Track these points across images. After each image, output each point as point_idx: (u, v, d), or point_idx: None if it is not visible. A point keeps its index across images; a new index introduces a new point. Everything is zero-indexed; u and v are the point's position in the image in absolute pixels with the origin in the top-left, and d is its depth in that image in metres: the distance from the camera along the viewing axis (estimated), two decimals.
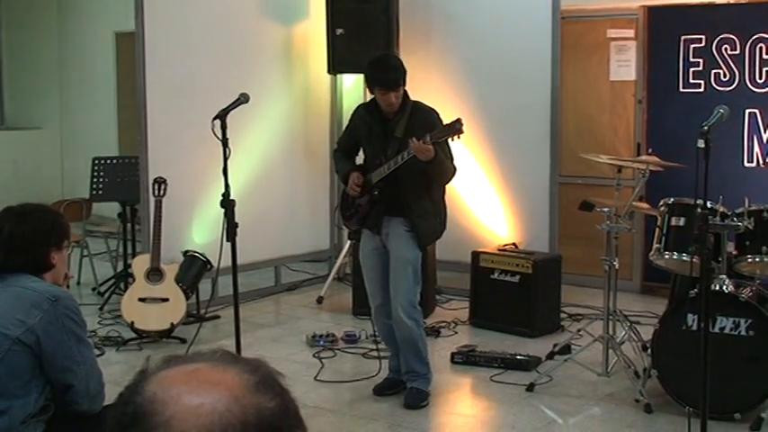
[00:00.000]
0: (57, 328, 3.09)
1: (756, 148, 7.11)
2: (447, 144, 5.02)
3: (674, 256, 5.18)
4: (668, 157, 5.57)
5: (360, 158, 5.45)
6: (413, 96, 5.16)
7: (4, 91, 12.08)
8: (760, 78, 7.07)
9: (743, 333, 4.76)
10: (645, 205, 5.96)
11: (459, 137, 4.84)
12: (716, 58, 7.23)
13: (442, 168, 5.00)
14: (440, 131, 4.86)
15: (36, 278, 3.19)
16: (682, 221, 5.16)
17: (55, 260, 3.25)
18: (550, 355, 5.85)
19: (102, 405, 3.20)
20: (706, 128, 3.94)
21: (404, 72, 5.07)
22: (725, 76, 7.20)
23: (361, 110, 5.36)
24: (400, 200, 5.09)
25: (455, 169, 5.11)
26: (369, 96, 6.66)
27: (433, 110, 5.16)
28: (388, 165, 5.04)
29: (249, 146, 7.28)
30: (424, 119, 5.04)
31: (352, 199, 5.27)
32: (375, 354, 5.88)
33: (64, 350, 3.10)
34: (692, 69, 7.35)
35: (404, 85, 5.06)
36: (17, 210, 3.28)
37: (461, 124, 4.79)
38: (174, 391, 1.06)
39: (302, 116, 8.08)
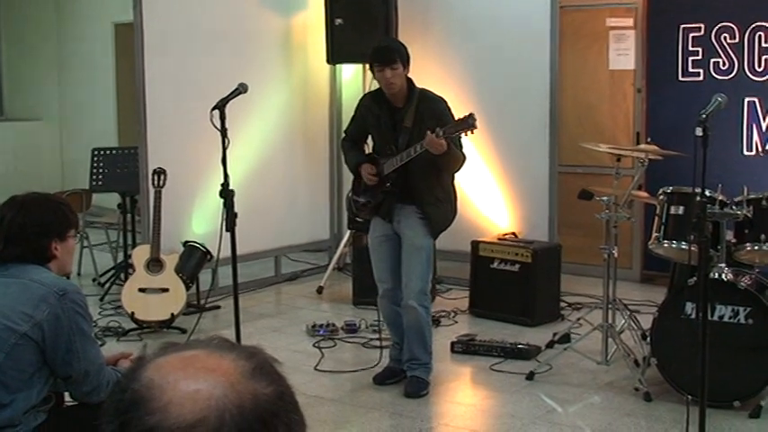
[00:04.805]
0: (63, 322, 3.08)
1: (756, 137, 7.11)
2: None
3: (673, 245, 5.18)
4: (667, 146, 5.58)
5: (368, 148, 5.45)
6: None
7: (3, 82, 12.07)
8: (759, 67, 7.06)
9: (742, 321, 4.77)
10: (644, 194, 5.97)
11: (472, 132, 4.82)
12: (715, 47, 7.22)
13: (454, 160, 5.00)
14: (453, 126, 4.84)
15: (42, 269, 3.19)
16: (681, 210, 5.16)
17: (57, 251, 3.24)
18: (550, 344, 5.86)
19: (101, 397, 3.20)
20: (704, 116, 3.94)
21: (403, 53, 5.03)
22: (724, 65, 7.19)
23: (367, 99, 5.34)
24: (412, 189, 5.09)
25: (465, 157, 5.10)
26: (368, 86, 6.66)
27: (441, 99, 5.13)
28: (400, 157, 5.03)
29: (248, 136, 7.29)
30: (432, 108, 5.02)
31: (364, 189, 5.28)
32: (375, 343, 5.89)
33: (67, 345, 3.10)
34: (691, 58, 7.35)
35: (404, 66, 5.01)
36: (21, 199, 3.28)
37: (474, 119, 4.77)
38: (171, 378, 1.07)
39: (301, 106, 8.08)
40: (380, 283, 5.32)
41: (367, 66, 7.47)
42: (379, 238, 5.28)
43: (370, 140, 5.41)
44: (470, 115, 4.78)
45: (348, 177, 7.85)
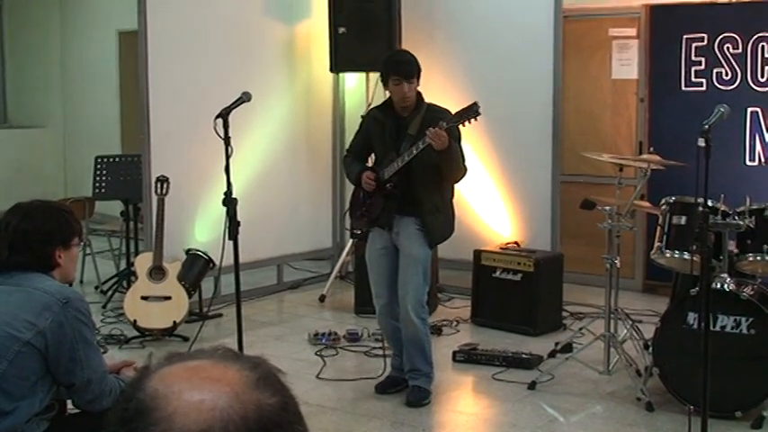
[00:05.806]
0: (66, 330, 3.08)
1: (758, 147, 7.11)
2: (460, 145, 5.04)
3: (676, 255, 5.19)
4: (670, 156, 5.58)
5: (370, 162, 5.46)
6: None
7: (7, 89, 12.10)
8: (762, 77, 7.07)
9: (744, 331, 4.77)
10: (646, 204, 5.97)
11: (476, 119, 4.86)
12: (718, 57, 7.23)
13: (455, 162, 5.01)
14: (456, 115, 4.89)
15: (46, 277, 3.18)
16: (683, 220, 5.17)
17: (61, 259, 3.24)
18: (552, 354, 5.86)
19: (103, 406, 3.20)
20: (706, 126, 3.95)
21: (419, 68, 5.10)
22: (727, 75, 7.20)
23: (374, 111, 5.40)
24: (412, 195, 5.10)
25: (466, 169, 5.14)
26: (371, 95, 6.67)
27: (446, 110, 5.16)
28: (402, 158, 5.05)
29: (251, 144, 7.30)
30: (438, 118, 5.02)
31: (363, 199, 5.29)
32: (377, 352, 5.89)
33: (70, 353, 3.10)
34: (694, 68, 7.35)
35: (418, 80, 5.09)
36: (25, 207, 3.27)
37: (478, 107, 4.82)
38: (176, 388, 1.08)
39: (304, 115, 8.09)
40: (377, 299, 5.32)
41: (370, 74, 7.55)
42: (378, 251, 5.27)
43: (372, 157, 5.42)
44: (474, 103, 4.85)
45: (351, 185, 7.89)
